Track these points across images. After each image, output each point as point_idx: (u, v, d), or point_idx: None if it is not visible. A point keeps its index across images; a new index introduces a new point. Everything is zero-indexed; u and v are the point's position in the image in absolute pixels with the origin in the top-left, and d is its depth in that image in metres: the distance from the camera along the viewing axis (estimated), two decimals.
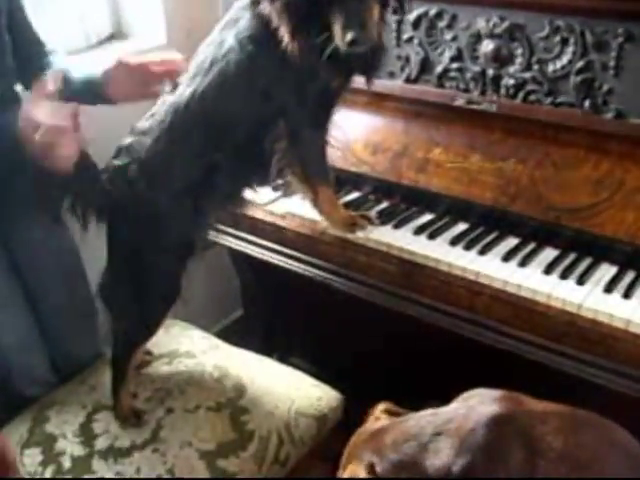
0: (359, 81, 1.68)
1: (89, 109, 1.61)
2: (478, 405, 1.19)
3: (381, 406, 1.39)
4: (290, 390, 1.79)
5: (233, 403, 1.73)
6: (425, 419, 1.18)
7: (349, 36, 1.43)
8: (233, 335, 2.40)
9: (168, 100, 1.65)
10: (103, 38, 2.38)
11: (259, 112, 1.62)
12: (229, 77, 1.57)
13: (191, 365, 1.86)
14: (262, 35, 1.55)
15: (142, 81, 1.67)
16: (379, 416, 1.34)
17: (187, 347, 1.93)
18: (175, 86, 1.66)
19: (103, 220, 1.65)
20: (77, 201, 1.62)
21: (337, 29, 1.46)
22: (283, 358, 2.32)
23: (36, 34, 1.74)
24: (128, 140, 1.65)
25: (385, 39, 1.65)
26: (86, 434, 1.67)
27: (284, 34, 1.50)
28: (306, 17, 1.49)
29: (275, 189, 1.92)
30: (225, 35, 1.61)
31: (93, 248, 1.73)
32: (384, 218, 1.79)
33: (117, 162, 1.65)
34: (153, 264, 1.65)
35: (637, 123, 1.62)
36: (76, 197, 1.61)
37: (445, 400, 1.37)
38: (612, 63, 1.62)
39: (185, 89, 1.62)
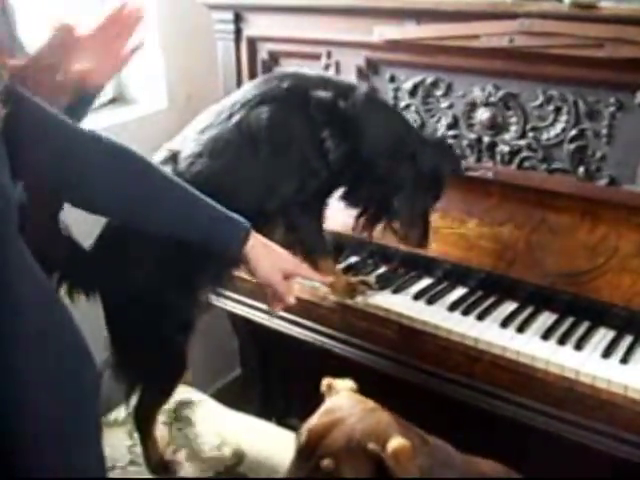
0: None
1: None
2: None
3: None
4: (289, 455, 1.77)
5: (232, 471, 1.72)
6: None
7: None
8: (232, 394, 2.40)
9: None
10: (105, 102, 2.42)
11: (258, 207, 1.61)
12: (236, 169, 1.60)
13: (190, 431, 1.85)
14: None
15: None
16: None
17: (186, 412, 1.92)
18: (174, 157, 1.65)
19: (93, 296, 1.61)
20: (63, 280, 1.57)
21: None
22: (282, 419, 2.31)
23: None
24: None
25: None
26: None
27: None
28: None
29: None
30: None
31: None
32: (383, 283, 1.80)
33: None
34: (156, 344, 1.63)
35: (629, 190, 1.65)
36: (62, 276, 1.57)
37: None
38: (604, 131, 1.65)
39: (188, 167, 1.61)
